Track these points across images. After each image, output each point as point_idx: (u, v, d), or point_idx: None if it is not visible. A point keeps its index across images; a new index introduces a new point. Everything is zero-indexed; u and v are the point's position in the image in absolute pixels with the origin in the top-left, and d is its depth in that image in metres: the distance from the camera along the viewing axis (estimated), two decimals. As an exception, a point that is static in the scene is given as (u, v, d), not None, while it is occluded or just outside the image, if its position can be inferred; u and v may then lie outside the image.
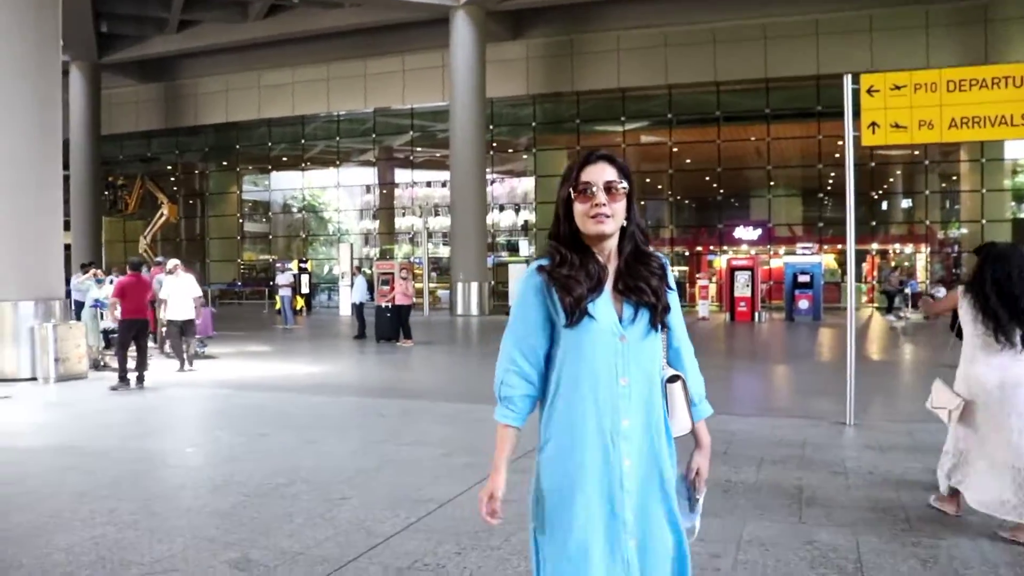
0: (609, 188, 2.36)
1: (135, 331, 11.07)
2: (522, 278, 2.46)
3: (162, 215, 37.95)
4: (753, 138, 31.36)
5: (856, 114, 8.31)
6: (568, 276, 2.34)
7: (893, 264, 30.41)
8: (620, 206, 2.38)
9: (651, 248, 2.50)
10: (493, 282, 31.30)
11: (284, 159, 38.55)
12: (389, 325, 18.21)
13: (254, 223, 40.84)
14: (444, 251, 35.43)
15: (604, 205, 2.35)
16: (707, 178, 32.81)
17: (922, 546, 4.69)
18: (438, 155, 35.51)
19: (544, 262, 2.42)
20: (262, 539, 4.87)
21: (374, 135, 36.46)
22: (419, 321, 20.43)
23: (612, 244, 2.43)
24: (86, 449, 7.52)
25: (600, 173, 2.38)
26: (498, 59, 30.32)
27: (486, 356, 16.62)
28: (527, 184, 35.51)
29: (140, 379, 11.19)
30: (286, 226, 39.96)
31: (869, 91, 8.12)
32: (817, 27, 29.11)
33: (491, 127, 32.27)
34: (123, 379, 11.05)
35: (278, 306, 24.59)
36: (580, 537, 2.31)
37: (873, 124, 8.11)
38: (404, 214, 37.93)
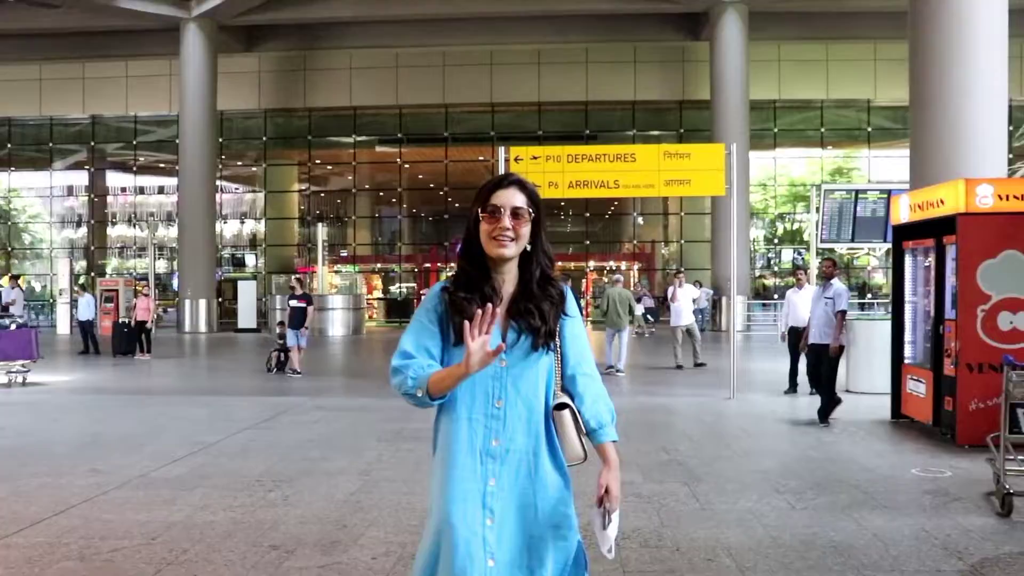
0: (516, 213, 2.59)
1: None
2: (428, 295, 2.70)
3: None
4: (481, 158, 36.49)
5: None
6: (464, 299, 2.58)
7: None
8: (525, 231, 2.61)
9: (555, 274, 2.76)
10: (220, 299, 34.20)
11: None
12: (127, 340, 21.13)
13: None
14: (160, 265, 37.74)
15: (508, 229, 2.57)
16: (441, 193, 37.61)
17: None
18: (162, 164, 38.09)
19: (448, 284, 2.68)
20: (100, 460, 8.52)
21: (92, 142, 38.20)
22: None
23: (513, 267, 2.67)
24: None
25: (510, 198, 2.60)
26: (229, 71, 33.44)
27: (219, 368, 20.15)
28: (257, 198, 38.85)
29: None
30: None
31: (516, 159, 12.75)
32: (539, 57, 34.82)
33: (221, 139, 35.29)
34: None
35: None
36: (439, 541, 2.56)
37: (519, 183, 12.70)
38: (115, 224, 39.95)
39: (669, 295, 18.55)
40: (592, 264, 37.87)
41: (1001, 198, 8.87)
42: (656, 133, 36.20)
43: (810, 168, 36.83)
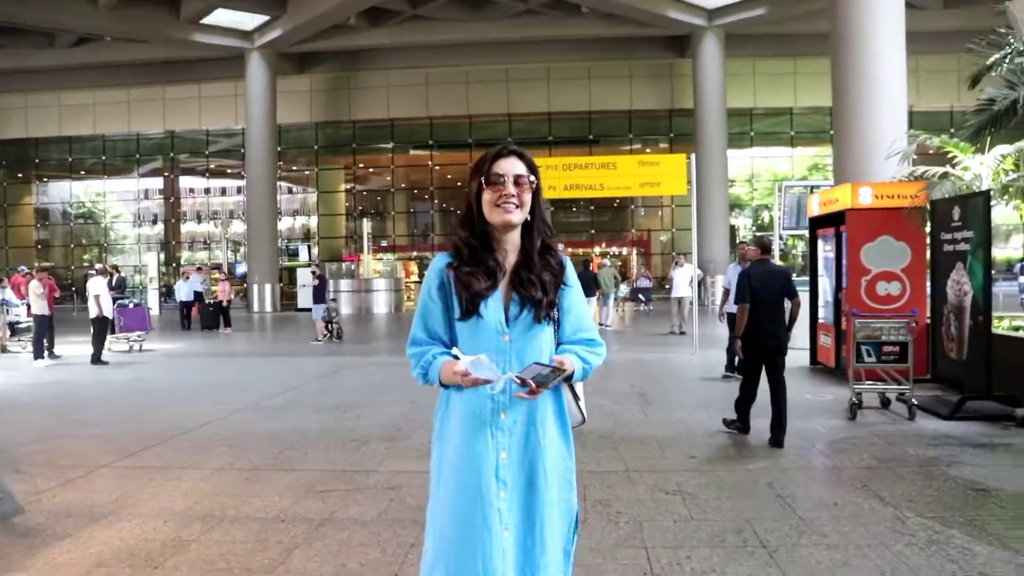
0: (518, 181, 2.47)
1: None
2: (431, 269, 2.56)
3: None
4: (500, 161, 38.28)
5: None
6: (469, 273, 2.45)
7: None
8: (527, 198, 2.49)
9: (554, 243, 2.60)
10: (282, 283, 36.26)
11: (83, 172, 41.48)
12: (211, 317, 23.21)
13: (47, 231, 43.18)
14: (227, 255, 39.93)
15: (513, 195, 2.45)
16: (466, 191, 39.05)
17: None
18: (228, 170, 40.33)
19: (450, 258, 2.53)
20: (218, 396, 10.53)
21: (172, 153, 40.34)
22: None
23: (516, 237, 2.53)
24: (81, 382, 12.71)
25: (511, 166, 2.49)
26: (286, 90, 35.31)
27: (287, 338, 22.12)
28: (310, 197, 41.02)
29: (52, 354, 15.87)
30: (80, 236, 42.48)
31: (523, 169, 14.60)
32: (548, 73, 36.65)
33: (279, 148, 37.30)
34: (42, 355, 15.54)
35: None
36: (455, 522, 2.45)
37: (525, 187, 14.59)
38: (186, 222, 42.28)
39: (670, 275, 20.04)
40: (597, 250, 39.70)
41: (877, 197, 10.71)
42: (650, 137, 37.96)
43: (784, 165, 38.39)
